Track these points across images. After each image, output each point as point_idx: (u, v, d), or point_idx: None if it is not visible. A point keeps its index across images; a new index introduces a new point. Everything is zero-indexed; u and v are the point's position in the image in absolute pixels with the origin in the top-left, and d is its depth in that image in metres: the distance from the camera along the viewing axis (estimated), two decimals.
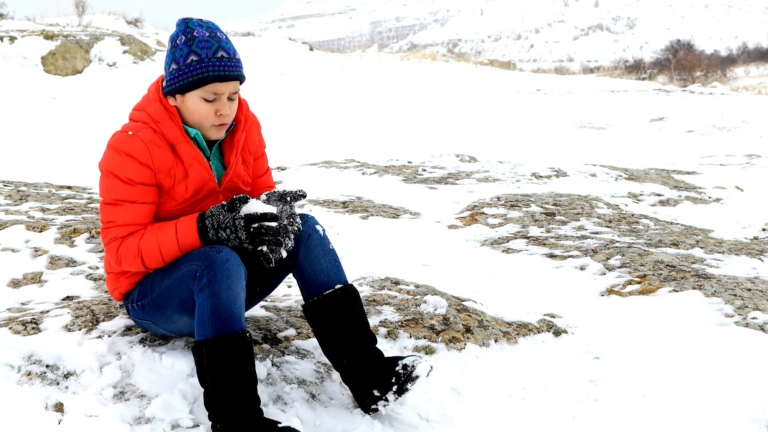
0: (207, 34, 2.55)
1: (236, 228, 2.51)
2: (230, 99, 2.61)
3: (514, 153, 10.37)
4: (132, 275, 2.73)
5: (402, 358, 2.66)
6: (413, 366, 2.61)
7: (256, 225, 2.52)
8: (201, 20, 2.60)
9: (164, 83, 2.62)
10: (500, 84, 21.96)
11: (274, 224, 2.53)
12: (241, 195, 2.57)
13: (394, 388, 2.62)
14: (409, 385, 2.63)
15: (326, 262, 2.72)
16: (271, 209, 2.54)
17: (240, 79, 2.59)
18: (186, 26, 2.57)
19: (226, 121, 2.63)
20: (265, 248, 2.52)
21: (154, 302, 2.67)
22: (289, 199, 2.61)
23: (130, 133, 2.57)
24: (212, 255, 2.48)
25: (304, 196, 2.63)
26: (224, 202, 2.57)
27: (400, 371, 2.61)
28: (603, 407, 2.91)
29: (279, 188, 2.81)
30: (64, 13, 21.72)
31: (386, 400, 2.65)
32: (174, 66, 2.56)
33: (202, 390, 2.51)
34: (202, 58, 2.53)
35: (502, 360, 3.19)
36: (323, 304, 2.71)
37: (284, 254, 2.56)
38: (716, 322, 3.59)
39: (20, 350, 2.70)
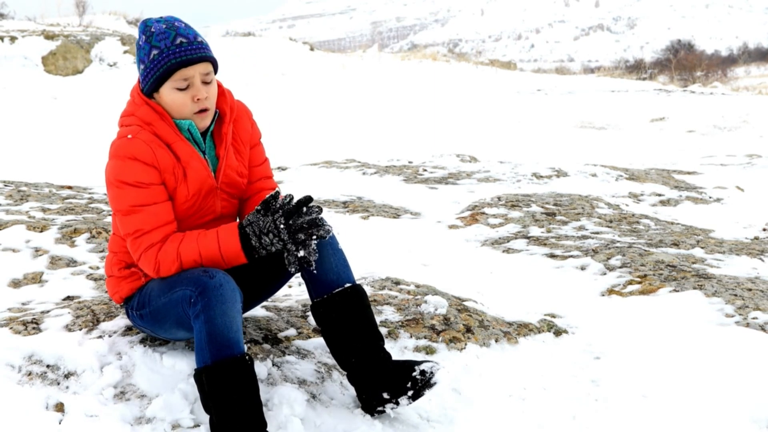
0: (164, 26, 2.56)
1: (278, 230, 2.48)
2: (205, 83, 2.58)
3: (515, 153, 10.37)
4: (133, 281, 2.72)
5: (418, 363, 2.63)
6: (431, 373, 2.60)
7: (295, 217, 2.48)
8: (160, 17, 2.61)
9: (141, 87, 2.62)
10: (501, 84, 21.97)
11: (314, 206, 2.49)
12: (272, 193, 2.52)
13: (410, 393, 2.61)
14: (426, 391, 2.62)
15: (335, 262, 2.70)
16: (305, 196, 2.51)
17: (207, 60, 2.56)
18: (144, 26, 2.60)
19: (206, 105, 2.59)
20: (302, 253, 2.48)
21: (152, 315, 2.66)
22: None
23: (129, 136, 2.55)
24: (205, 281, 2.46)
25: (309, 200, 2.55)
26: (259, 207, 2.52)
27: (418, 377, 2.60)
28: (604, 407, 2.91)
29: (281, 190, 2.77)
30: (65, 13, 21.74)
31: (397, 403, 2.63)
32: (142, 66, 2.59)
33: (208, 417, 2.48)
34: (161, 49, 2.53)
35: (502, 360, 3.19)
36: (332, 303, 2.69)
37: (314, 256, 2.52)
38: (717, 322, 3.58)
39: (21, 350, 2.70)
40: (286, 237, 2.48)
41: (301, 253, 2.50)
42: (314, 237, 2.50)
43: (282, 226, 2.48)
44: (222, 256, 2.53)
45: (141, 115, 2.59)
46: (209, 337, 2.42)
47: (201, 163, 2.63)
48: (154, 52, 2.54)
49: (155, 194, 2.55)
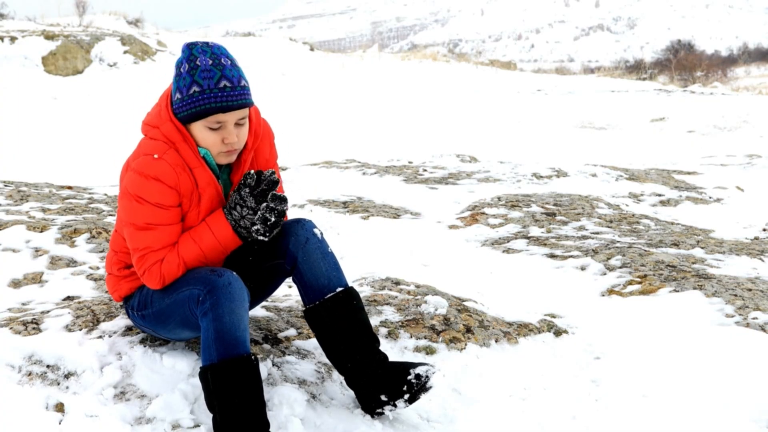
0: (210, 62, 2.47)
1: (264, 219, 2.55)
2: (238, 125, 2.55)
3: (515, 153, 10.37)
4: (132, 280, 2.73)
5: (413, 365, 2.63)
6: (427, 377, 2.60)
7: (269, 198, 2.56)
8: (206, 45, 2.51)
9: (173, 108, 2.56)
10: (501, 84, 21.98)
11: (276, 181, 2.57)
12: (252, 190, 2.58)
13: (406, 396, 2.61)
14: (422, 395, 2.62)
15: (325, 266, 2.70)
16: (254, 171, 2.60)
17: (246, 106, 2.53)
18: (190, 53, 2.50)
19: (235, 147, 2.57)
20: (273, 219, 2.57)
21: (155, 316, 2.66)
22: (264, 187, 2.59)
23: (155, 156, 2.52)
24: (214, 279, 2.47)
25: (276, 182, 2.60)
26: (248, 206, 2.57)
27: (413, 381, 2.60)
28: (604, 407, 2.91)
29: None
30: (65, 14, 21.77)
31: (395, 405, 2.64)
32: (178, 95, 2.51)
33: (211, 415, 2.48)
34: (203, 89, 2.47)
35: (503, 360, 3.19)
36: (325, 309, 2.69)
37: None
38: (717, 322, 3.58)
39: (21, 350, 2.71)
40: (273, 219, 2.57)
41: (272, 219, 2.56)
42: (277, 210, 2.56)
43: (264, 211, 2.55)
44: (222, 245, 2.59)
45: (165, 132, 2.55)
46: (216, 335, 2.43)
47: (217, 189, 2.63)
48: (195, 88, 2.47)
49: (172, 216, 2.56)
